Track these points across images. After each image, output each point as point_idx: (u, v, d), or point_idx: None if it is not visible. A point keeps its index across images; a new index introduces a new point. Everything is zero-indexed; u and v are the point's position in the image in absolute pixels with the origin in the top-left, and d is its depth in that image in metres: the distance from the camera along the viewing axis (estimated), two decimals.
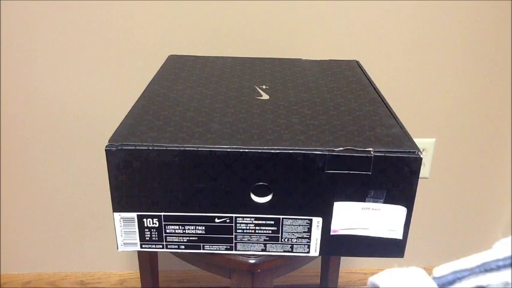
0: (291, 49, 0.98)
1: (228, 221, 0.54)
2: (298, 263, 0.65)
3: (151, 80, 0.70)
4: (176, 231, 0.55)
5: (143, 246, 0.56)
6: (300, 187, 0.52)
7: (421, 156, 0.51)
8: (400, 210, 0.53)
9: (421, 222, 1.16)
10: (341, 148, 0.51)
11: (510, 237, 0.29)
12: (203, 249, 0.56)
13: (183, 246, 0.56)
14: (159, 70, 0.74)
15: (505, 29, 0.98)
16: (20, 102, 0.99)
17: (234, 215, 0.54)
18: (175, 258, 1.15)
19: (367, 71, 0.91)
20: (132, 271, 1.18)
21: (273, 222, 0.54)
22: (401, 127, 0.56)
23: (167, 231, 0.55)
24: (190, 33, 0.95)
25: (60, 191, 1.08)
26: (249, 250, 0.56)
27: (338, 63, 0.80)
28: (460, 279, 0.28)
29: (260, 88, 0.67)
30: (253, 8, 0.94)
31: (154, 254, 0.80)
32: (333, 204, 0.53)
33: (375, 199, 0.52)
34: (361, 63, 0.92)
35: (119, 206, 0.54)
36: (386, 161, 0.50)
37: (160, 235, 0.55)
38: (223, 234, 0.55)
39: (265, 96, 0.64)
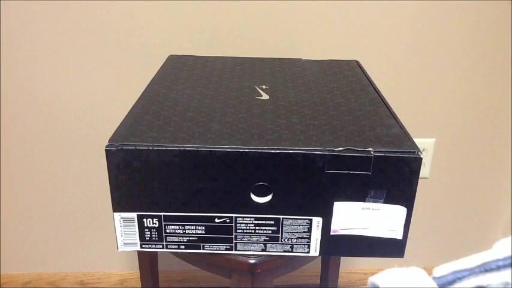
0: (291, 49, 0.97)
1: (228, 221, 0.54)
2: (298, 263, 0.65)
3: (151, 80, 0.70)
4: (176, 231, 0.55)
5: (143, 246, 0.56)
6: (300, 187, 0.52)
7: (421, 156, 0.51)
8: (400, 210, 0.53)
9: (421, 222, 1.16)
10: (341, 148, 0.51)
11: (510, 237, 0.29)
12: (203, 249, 0.56)
13: (183, 246, 0.56)
14: (159, 70, 0.74)
15: (505, 29, 0.98)
16: (20, 102, 0.99)
17: (234, 215, 0.54)
18: (175, 258, 1.15)
19: (367, 71, 0.91)
20: (132, 271, 1.18)
21: (273, 222, 0.54)
22: (401, 127, 0.56)
23: (167, 231, 0.55)
24: (190, 33, 0.95)
25: (60, 191, 1.08)
26: (249, 250, 0.56)
27: (338, 63, 0.80)
28: (460, 279, 0.28)
29: (260, 88, 0.67)
30: (253, 8, 0.94)
31: (154, 254, 0.80)
32: (333, 204, 0.53)
33: (375, 199, 0.52)
34: (361, 63, 0.92)
35: (119, 206, 0.54)
36: (386, 161, 0.50)
37: (160, 235, 0.55)
38: (223, 234, 0.55)
39: (265, 96, 0.64)
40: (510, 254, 0.28)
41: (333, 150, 0.50)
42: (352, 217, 0.54)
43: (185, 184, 0.52)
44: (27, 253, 1.14)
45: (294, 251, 0.56)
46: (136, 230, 0.55)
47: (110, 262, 1.16)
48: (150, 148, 0.51)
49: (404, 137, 0.53)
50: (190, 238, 0.55)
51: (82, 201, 1.09)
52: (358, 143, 0.52)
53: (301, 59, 0.82)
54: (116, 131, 0.54)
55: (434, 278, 0.28)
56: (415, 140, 0.59)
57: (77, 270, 1.17)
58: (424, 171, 1.10)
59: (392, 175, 0.51)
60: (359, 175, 0.51)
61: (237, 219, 0.54)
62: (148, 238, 0.55)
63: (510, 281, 0.27)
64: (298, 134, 0.53)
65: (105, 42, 0.95)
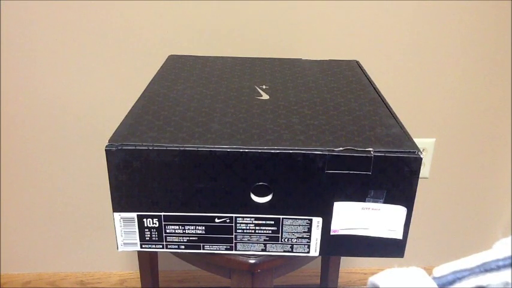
0: (291, 49, 0.97)
1: (228, 221, 0.54)
2: (298, 263, 0.65)
3: (151, 80, 0.70)
4: (176, 231, 0.55)
5: (143, 246, 0.56)
6: (300, 187, 0.52)
7: (421, 156, 0.51)
8: (400, 210, 0.53)
9: (421, 222, 1.16)
10: (341, 148, 0.51)
11: (510, 237, 0.29)
12: (203, 249, 0.56)
13: (183, 246, 0.56)
14: (159, 70, 0.74)
15: (505, 29, 0.98)
16: (20, 102, 0.99)
17: (234, 215, 0.54)
18: (175, 258, 1.15)
19: (367, 71, 0.91)
20: (132, 271, 1.18)
21: (273, 222, 0.54)
22: (401, 127, 0.56)
23: (167, 231, 0.55)
24: (190, 33, 0.95)
25: (60, 191, 1.08)
26: (249, 250, 0.56)
27: (338, 63, 0.80)
28: (460, 279, 0.28)
29: (260, 88, 0.67)
30: (253, 8, 0.94)
31: (154, 254, 0.80)
32: (333, 204, 0.53)
33: (375, 199, 0.52)
34: (361, 63, 0.92)
35: (119, 206, 0.54)
36: (386, 161, 0.50)
37: (160, 235, 0.55)
38: (223, 234, 0.55)
39: (265, 96, 0.64)
40: (510, 254, 0.28)
41: (333, 150, 0.50)
42: (352, 217, 0.54)
43: (185, 184, 0.52)
44: (27, 253, 1.14)
45: (294, 251, 0.56)
46: (136, 230, 0.55)
47: (110, 262, 1.16)
48: (150, 148, 0.51)
49: (404, 137, 0.53)
50: (190, 238, 0.55)
51: (82, 201, 1.09)
52: (358, 143, 0.52)
53: (301, 59, 0.82)
54: (116, 131, 0.54)
55: (434, 278, 0.28)
56: (415, 140, 0.59)
57: (77, 270, 1.17)
58: (424, 171, 1.10)
59: (392, 175, 0.51)
60: (359, 175, 0.51)
61: (237, 219, 0.54)
62: (148, 238, 0.55)
63: (510, 281, 0.27)
64: (298, 134, 0.53)
65: (105, 42, 0.95)
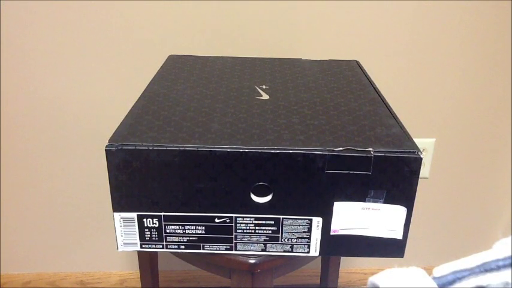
0: (291, 49, 0.97)
1: (228, 221, 0.54)
2: (298, 263, 0.65)
3: (151, 80, 0.70)
4: (176, 231, 0.55)
5: (143, 246, 0.56)
6: (300, 187, 0.52)
7: (421, 156, 0.51)
8: (400, 210, 0.53)
9: (421, 222, 1.16)
10: (341, 148, 0.51)
11: (510, 237, 0.29)
12: (203, 249, 0.56)
13: (183, 246, 0.56)
14: (159, 70, 0.74)
15: (505, 29, 0.98)
16: (20, 102, 0.99)
17: (234, 215, 0.54)
18: (175, 258, 1.15)
19: (367, 71, 0.91)
20: (132, 271, 1.18)
21: (273, 222, 0.54)
22: (401, 127, 0.56)
23: (167, 231, 0.55)
24: (190, 33, 0.95)
25: (60, 191, 1.08)
26: (249, 250, 0.56)
27: (338, 63, 0.80)
28: (460, 279, 0.28)
29: (260, 88, 0.67)
30: (253, 8, 0.94)
31: (154, 254, 0.80)
32: (333, 204, 0.53)
33: (375, 199, 0.52)
34: (361, 63, 0.92)
35: (119, 206, 0.54)
36: (386, 161, 0.50)
37: (160, 235, 0.55)
38: (223, 234, 0.55)
39: (265, 96, 0.64)
40: (510, 254, 0.28)
41: (333, 150, 0.50)
42: (352, 217, 0.54)
43: (185, 184, 0.52)
44: (27, 253, 1.14)
45: (294, 251, 0.56)
46: (136, 230, 0.55)
47: (110, 262, 1.16)
48: (150, 148, 0.51)
49: (404, 137, 0.53)
50: (190, 238, 0.55)
51: (82, 201, 1.09)
52: (358, 143, 0.52)
53: (301, 59, 0.82)
54: (116, 131, 0.54)
55: (434, 278, 0.28)
56: (415, 140, 0.59)
57: (77, 270, 1.17)
58: (424, 171, 1.10)
59: (392, 175, 0.51)
60: (359, 175, 0.51)
61: (237, 219, 0.54)
62: (148, 238, 0.55)
63: (510, 281, 0.27)
64: (298, 134, 0.53)
65: (105, 42, 0.95)
